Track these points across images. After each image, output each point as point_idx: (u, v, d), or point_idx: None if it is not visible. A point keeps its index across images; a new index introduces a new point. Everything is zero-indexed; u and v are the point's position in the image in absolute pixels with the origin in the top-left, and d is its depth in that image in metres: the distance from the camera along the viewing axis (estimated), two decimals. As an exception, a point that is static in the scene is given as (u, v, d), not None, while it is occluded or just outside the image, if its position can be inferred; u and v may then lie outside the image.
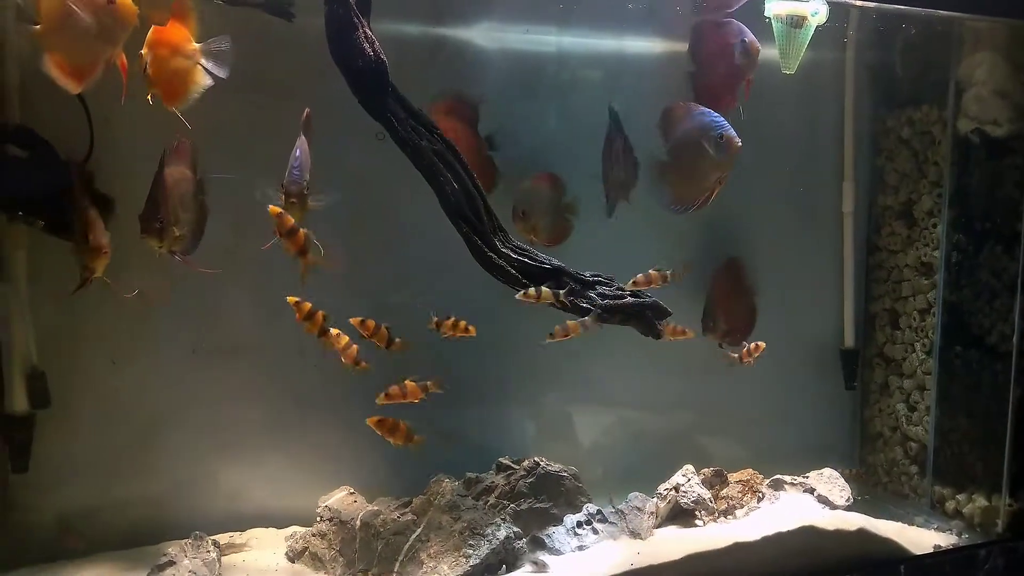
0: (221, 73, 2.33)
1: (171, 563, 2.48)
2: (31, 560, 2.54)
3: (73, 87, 2.11)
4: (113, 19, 2.06)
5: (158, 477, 2.71)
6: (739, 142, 2.71)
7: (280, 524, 2.81)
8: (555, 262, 2.65)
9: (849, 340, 3.50)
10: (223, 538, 2.69)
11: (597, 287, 2.75)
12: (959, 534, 3.13)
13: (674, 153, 2.84)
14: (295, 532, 2.75)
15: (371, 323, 2.45)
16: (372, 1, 2.42)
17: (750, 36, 2.82)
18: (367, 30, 2.37)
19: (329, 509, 2.73)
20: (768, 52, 2.80)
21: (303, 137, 2.37)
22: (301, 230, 2.25)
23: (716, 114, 2.76)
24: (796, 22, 2.72)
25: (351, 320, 2.41)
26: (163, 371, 2.68)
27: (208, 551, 2.56)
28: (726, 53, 2.84)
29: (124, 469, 2.67)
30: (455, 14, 2.82)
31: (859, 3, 2.89)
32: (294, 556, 2.69)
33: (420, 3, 2.76)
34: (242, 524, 2.78)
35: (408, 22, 2.79)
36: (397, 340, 2.50)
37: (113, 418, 2.64)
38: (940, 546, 3.04)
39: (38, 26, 2.07)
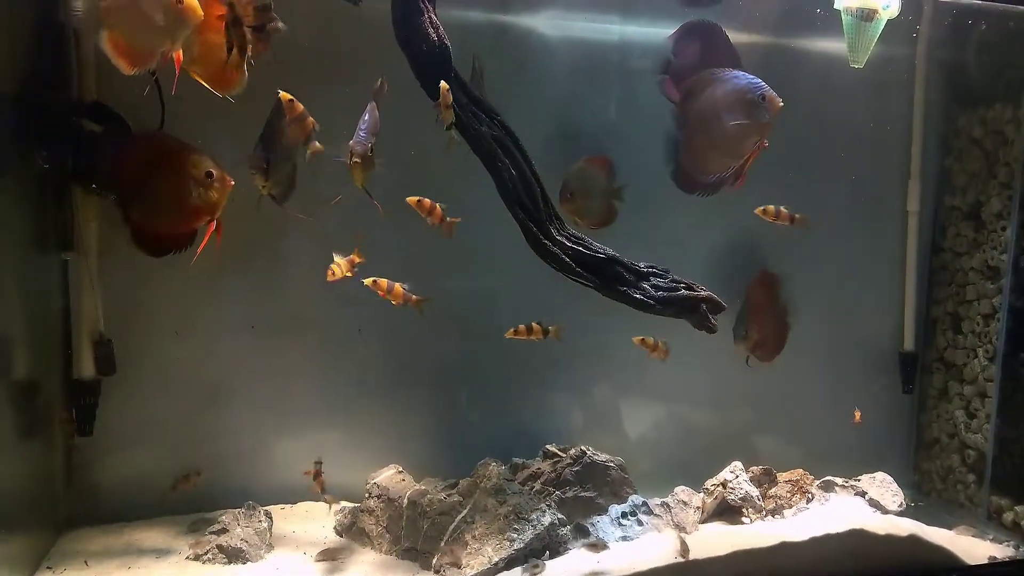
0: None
1: (224, 530, 2.57)
2: (96, 519, 2.66)
3: (125, 68, 2.16)
4: (177, 17, 2.10)
5: (215, 447, 2.79)
6: (780, 102, 2.62)
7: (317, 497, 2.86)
8: (609, 251, 2.64)
9: (909, 343, 3.42)
10: (275, 509, 2.77)
11: (651, 278, 2.73)
12: (1016, 547, 3.04)
13: (702, 122, 2.74)
14: (344, 507, 2.81)
15: (383, 282, 2.50)
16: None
17: (768, 89, 2.66)
18: (432, 15, 2.40)
19: (378, 486, 2.77)
20: (837, 45, 2.73)
21: (374, 103, 2.39)
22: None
23: (746, 74, 2.68)
24: (867, 15, 2.66)
25: (365, 281, 2.47)
26: (223, 344, 2.77)
27: (260, 520, 2.64)
28: (734, 110, 2.68)
29: (183, 437, 2.76)
30: (520, 2, 2.82)
31: (933, -4, 2.81)
32: (342, 530, 2.76)
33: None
34: (293, 497, 2.85)
35: (473, 8, 2.80)
36: (414, 297, 2.55)
37: (174, 387, 2.74)
38: (995, 558, 2.95)
39: (104, 3, 2.12)
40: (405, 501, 2.71)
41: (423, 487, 2.79)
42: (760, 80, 2.66)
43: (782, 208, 2.61)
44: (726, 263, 3.07)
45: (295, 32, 2.41)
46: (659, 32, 2.81)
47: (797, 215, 2.64)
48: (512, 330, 2.63)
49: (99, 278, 2.59)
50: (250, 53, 2.24)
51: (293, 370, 2.79)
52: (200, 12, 2.12)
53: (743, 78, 2.69)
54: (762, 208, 2.55)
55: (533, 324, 2.63)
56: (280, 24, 2.36)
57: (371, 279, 2.49)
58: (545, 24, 2.86)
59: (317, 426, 2.87)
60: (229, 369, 2.77)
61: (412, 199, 2.43)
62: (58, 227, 2.54)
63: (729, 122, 2.68)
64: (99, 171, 2.45)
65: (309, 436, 2.87)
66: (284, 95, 2.30)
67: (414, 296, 2.54)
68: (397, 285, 2.51)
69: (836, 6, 2.67)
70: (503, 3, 2.84)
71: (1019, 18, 2.99)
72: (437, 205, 2.46)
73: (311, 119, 2.35)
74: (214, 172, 2.36)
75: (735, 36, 2.78)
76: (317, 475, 2.65)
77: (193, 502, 2.73)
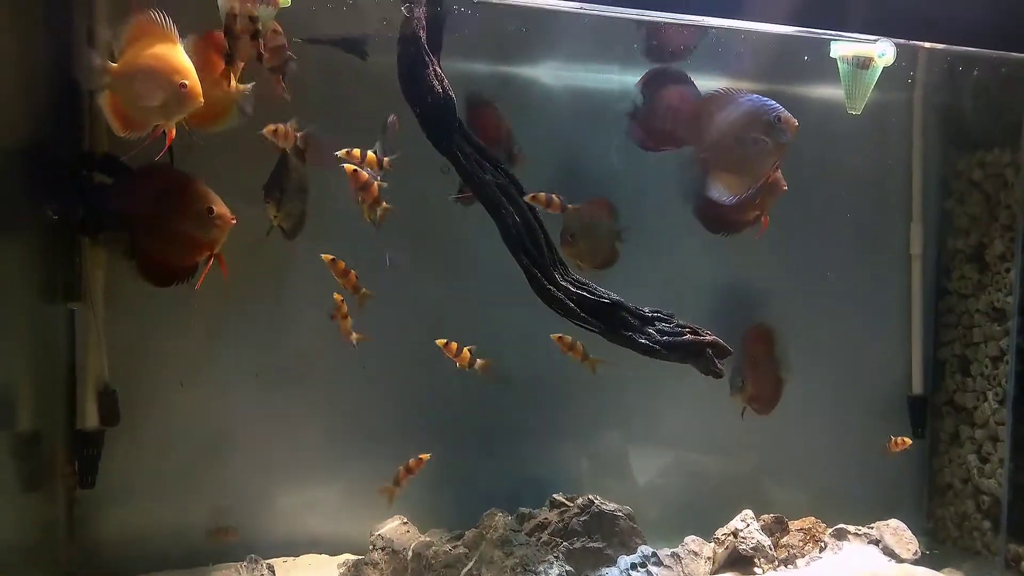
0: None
1: (227, 584, 2.52)
2: (98, 573, 2.62)
3: (117, 130, 2.21)
4: (179, 98, 2.14)
5: (219, 498, 2.76)
6: (796, 122, 2.62)
7: (333, 551, 2.83)
8: (614, 296, 2.64)
9: (917, 387, 3.40)
10: (277, 562, 2.72)
11: (656, 323, 2.73)
12: (1036, 596, 2.98)
13: (720, 144, 2.72)
14: (347, 559, 2.76)
15: (341, 263, 2.47)
16: (442, 40, 2.50)
17: (783, 109, 2.65)
18: (437, 68, 2.45)
19: (382, 538, 2.73)
20: (835, 92, 2.78)
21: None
22: (375, 183, 2.37)
23: (758, 96, 2.70)
24: (862, 63, 2.70)
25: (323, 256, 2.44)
26: (227, 394, 2.76)
27: (263, 574, 2.59)
28: (751, 131, 2.67)
29: (187, 489, 2.73)
30: (522, 54, 2.88)
31: (927, 45, 2.86)
32: (346, 583, 2.71)
33: (488, 43, 2.82)
34: (296, 549, 2.81)
35: (477, 60, 2.86)
36: (364, 290, 2.51)
37: (178, 438, 2.72)
38: (1015, 607, 2.89)
39: (116, 64, 2.18)
40: (410, 553, 2.67)
41: (428, 538, 2.75)
42: (773, 101, 2.67)
43: (553, 196, 2.53)
44: (731, 307, 3.06)
45: (304, 80, 2.45)
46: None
47: (570, 205, 2.54)
48: (444, 341, 2.55)
49: (105, 328, 2.58)
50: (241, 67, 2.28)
51: (297, 420, 2.78)
52: (201, 99, 2.15)
53: (757, 100, 2.70)
54: (532, 195, 2.48)
55: (465, 349, 2.56)
56: (293, 63, 2.42)
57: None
58: (547, 74, 2.92)
59: (321, 477, 2.84)
60: (233, 419, 2.76)
61: (349, 168, 2.35)
62: (65, 277, 2.55)
63: (746, 143, 2.68)
64: (107, 221, 2.48)
65: (313, 487, 2.84)
66: (348, 167, 2.34)
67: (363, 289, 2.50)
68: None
69: (832, 55, 2.72)
70: (505, 55, 2.90)
71: (1011, 64, 3.03)
72: (375, 183, 2.39)
73: (375, 184, 2.38)
74: (215, 208, 2.37)
75: (737, 84, 2.81)
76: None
77: (196, 556, 2.69)
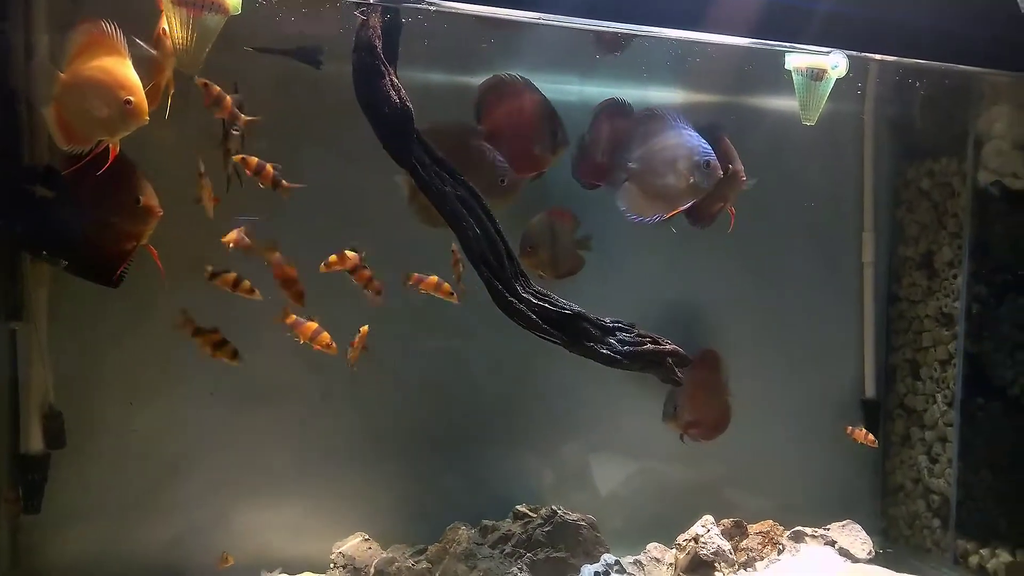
0: None
1: (183, 609, 2.45)
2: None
3: (60, 142, 2.13)
4: (123, 116, 2.06)
5: (173, 520, 2.68)
6: (721, 173, 2.69)
7: (294, 570, 2.76)
8: (575, 307, 2.64)
9: (870, 391, 3.47)
10: (236, 584, 2.66)
11: (618, 333, 2.74)
12: (984, 591, 3.07)
13: (647, 164, 2.78)
14: (309, 579, 2.71)
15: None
16: (399, 49, 2.46)
17: (714, 156, 2.72)
18: (394, 78, 2.41)
19: (343, 555, 2.69)
20: (789, 103, 2.82)
21: None
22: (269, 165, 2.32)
23: (699, 136, 2.74)
24: (816, 75, 2.74)
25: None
26: (181, 414, 2.67)
27: (221, 598, 2.53)
28: (677, 167, 2.74)
29: (139, 512, 2.65)
30: (481, 63, 2.86)
31: (878, 57, 2.91)
32: (307, 604, 2.66)
33: (446, 52, 2.79)
34: (255, 570, 2.74)
35: (434, 70, 2.83)
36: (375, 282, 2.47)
37: (130, 461, 2.63)
38: (965, 603, 2.98)
39: (63, 75, 2.09)
40: (372, 570, 2.64)
41: (390, 555, 2.72)
42: (707, 144, 2.71)
43: (268, 165, 2.50)
44: (687, 317, 3.08)
45: (257, 92, 2.39)
46: (618, 93, 2.86)
47: (284, 182, 2.39)
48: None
49: (49, 347, 2.49)
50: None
51: (254, 438, 2.71)
52: (146, 117, 2.08)
53: (695, 138, 2.74)
54: (242, 157, 2.33)
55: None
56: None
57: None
58: (506, 84, 2.89)
59: (279, 495, 2.77)
60: (188, 439, 2.68)
61: (200, 80, 2.26)
62: (5, 295, 2.45)
63: (671, 174, 2.73)
64: (50, 236, 2.38)
65: (271, 506, 2.77)
66: (199, 80, 2.24)
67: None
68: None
69: (787, 67, 2.75)
70: (464, 65, 2.87)
71: (956, 76, 3.12)
72: (269, 165, 2.33)
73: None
74: (141, 199, 2.28)
75: (694, 96, 2.84)
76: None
77: (150, 580, 2.61)
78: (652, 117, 2.80)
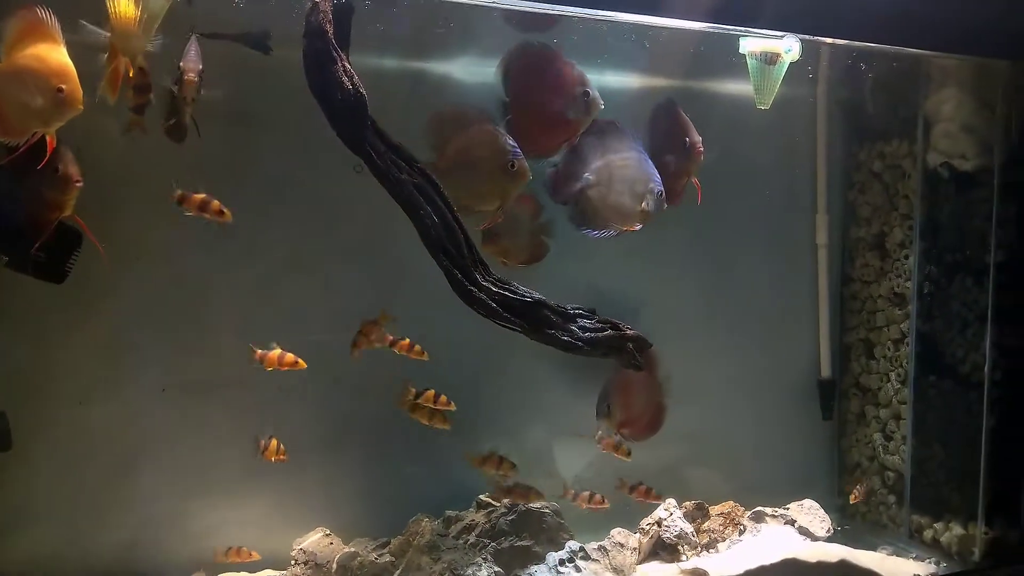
0: None
1: (140, 611, 2.40)
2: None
3: None
4: (56, 104, 1.99)
5: (127, 520, 2.61)
6: (666, 206, 2.73)
7: (253, 568, 2.72)
8: (536, 295, 2.62)
9: (826, 370, 3.52)
10: (195, 583, 2.61)
11: (579, 319, 2.73)
12: (937, 563, 3.14)
13: (599, 173, 2.79)
14: (269, 576, 2.67)
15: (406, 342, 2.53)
16: (351, 35, 2.41)
17: (660, 186, 2.73)
18: (346, 64, 2.35)
19: (304, 551, 2.65)
20: (744, 87, 2.83)
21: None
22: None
23: (648, 161, 2.77)
24: (770, 59, 2.76)
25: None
26: (133, 411, 2.60)
27: (178, 598, 2.47)
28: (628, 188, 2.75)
29: (92, 512, 2.57)
30: (436, 49, 2.82)
31: (829, 40, 2.94)
32: (268, 601, 2.62)
33: (400, 38, 2.74)
34: (214, 568, 2.68)
35: (388, 56, 2.78)
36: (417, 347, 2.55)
37: (80, 461, 2.55)
38: (919, 575, 3.05)
39: None
40: (334, 566, 2.60)
41: (353, 549, 2.69)
42: (656, 173, 2.73)
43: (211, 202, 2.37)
44: (644, 300, 3.08)
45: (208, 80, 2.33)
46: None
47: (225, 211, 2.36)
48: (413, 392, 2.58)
49: (-9, 347, 2.41)
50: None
51: (209, 435, 2.65)
52: (80, 106, 2.00)
53: (644, 162, 2.76)
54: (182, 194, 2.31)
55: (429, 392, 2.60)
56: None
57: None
58: (460, 71, 2.86)
59: (237, 492, 2.71)
60: (140, 437, 2.61)
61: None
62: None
63: (616, 191, 2.76)
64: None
65: (228, 502, 2.71)
66: None
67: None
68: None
69: (741, 51, 2.76)
70: (418, 51, 2.82)
71: (905, 59, 3.17)
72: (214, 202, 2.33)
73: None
74: (60, 168, 2.18)
75: (650, 81, 2.83)
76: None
77: (105, 582, 2.55)
78: (611, 131, 2.79)
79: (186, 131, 2.36)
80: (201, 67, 2.25)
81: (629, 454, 2.84)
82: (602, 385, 2.86)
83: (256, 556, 2.61)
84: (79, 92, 1.99)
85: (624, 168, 2.76)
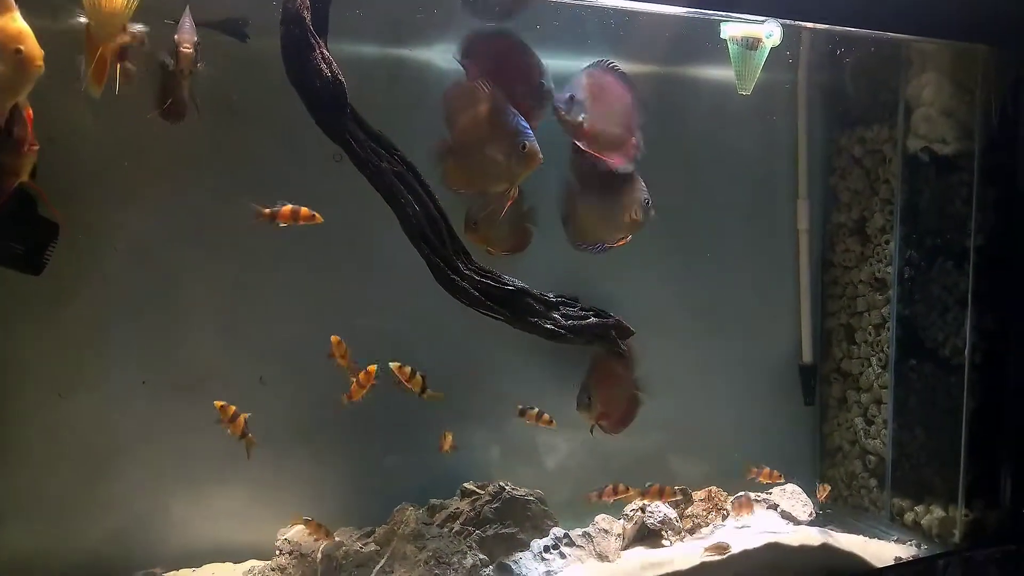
0: None
1: (123, 604, 2.38)
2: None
3: None
4: (17, 68, 1.92)
5: (109, 513, 2.60)
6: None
7: (238, 558, 2.71)
8: (519, 283, 2.63)
9: (807, 356, 3.54)
10: (179, 574, 2.60)
11: (561, 307, 2.74)
12: (918, 545, 3.18)
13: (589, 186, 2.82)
14: (253, 567, 2.65)
15: (407, 370, 2.51)
16: (329, 22, 2.39)
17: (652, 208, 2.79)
18: (324, 51, 2.33)
19: (289, 542, 2.65)
20: (725, 72, 2.82)
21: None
22: None
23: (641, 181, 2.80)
24: (751, 44, 2.75)
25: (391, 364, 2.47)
26: (113, 403, 2.58)
27: (162, 590, 2.46)
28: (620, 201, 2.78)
29: (74, 506, 2.56)
30: (415, 35, 2.79)
31: (809, 25, 2.94)
32: (253, 592, 2.61)
33: (379, 24, 2.72)
34: (198, 559, 2.68)
35: (366, 43, 2.75)
36: (429, 390, 2.55)
37: (59, 454, 2.53)
38: (901, 558, 3.08)
39: None
40: (319, 555, 2.60)
41: (338, 539, 2.68)
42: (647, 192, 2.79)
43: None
44: (624, 288, 3.07)
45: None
46: (551, 64, 2.82)
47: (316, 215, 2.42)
48: (397, 365, 2.54)
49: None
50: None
51: (191, 426, 2.62)
52: (41, 64, 1.94)
53: (639, 183, 2.80)
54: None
55: (418, 375, 2.56)
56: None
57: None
58: (441, 57, 2.83)
59: (220, 483, 2.70)
60: (121, 429, 2.59)
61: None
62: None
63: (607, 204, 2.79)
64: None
65: (212, 494, 2.70)
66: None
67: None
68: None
69: (722, 36, 2.75)
70: (397, 38, 2.79)
71: (885, 43, 3.17)
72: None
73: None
74: (14, 130, 2.12)
75: (631, 67, 2.81)
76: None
77: (87, 575, 2.52)
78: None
79: (185, 108, 2.33)
80: (197, 39, 2.20)
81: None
82: (583, 377, 2.85)
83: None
84: (38, 50, 1.93)
85: (607, 184, 2.77)
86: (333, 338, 2.48)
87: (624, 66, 2.75)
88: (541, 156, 2.48)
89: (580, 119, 2.64)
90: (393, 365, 2.48)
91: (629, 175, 2.79)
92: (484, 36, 2.66)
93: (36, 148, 2.17)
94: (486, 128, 2.52)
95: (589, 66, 2.72)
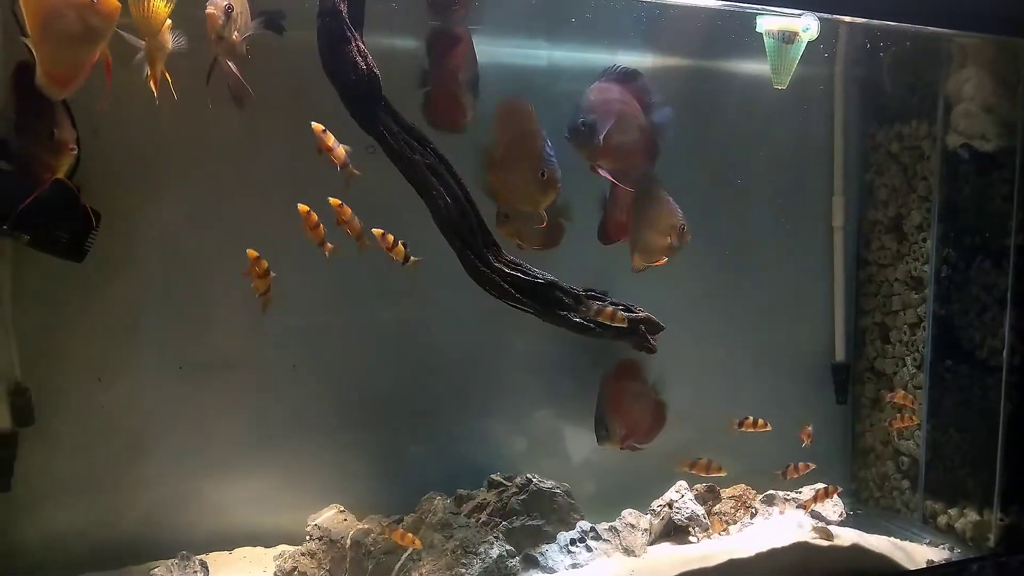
0: None
1: (157, 584, 2.44)
2: (14, 581, 2.50)
3: (57, 93, 2.05)
4: (96, 17, 1.97)
5: (145, 495, 2.66)
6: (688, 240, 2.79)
7: (269, 543, 2.76)
8: (548, 276, 2.63)
9: (840, 354, 3.50)
10: (211, 557, 2.65)
11: (591, 301, 2.74)
12: (951, 549, 3.13)
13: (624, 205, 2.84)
14: (284, 551, 2.70)
15: (390, 237, 2.43)
16: (364, 15, 2.41)
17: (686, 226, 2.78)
18: (360, 43, 2.36)
19: (319, 527, 2.68)
20: (760, 67, 2.80)
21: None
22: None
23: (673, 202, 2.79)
24: (788, 38, 2.73)
25: (374, 230, 2.39)
26: (150, 387, 2.64)
27: (195, 571, 2.51)
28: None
29: (111, 488, 2.62)
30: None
31: (848, 19, 2.90)
32: (283, 575, 2.65)
33: (413, 18, 2.74)
34: (230, 543, 2.73)
35: (400, 36, 2.78)
36: (412, 258, 2.47)
37: (99, 436, 2.60)
38: (933, 561, 3.03)
39: (27, 38, 2.00)
40: (348, 541, 2.63)
41: (366, 526, 2.71)
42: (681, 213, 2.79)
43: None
44: (657, 283, 3.06)
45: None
46: (586, 57, 2.83)
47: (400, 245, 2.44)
48: (380, 232, 2.42)
49: (14, 323, 2.43)
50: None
51: (225, 412, 2.68)
52: (116, 13, 1.98)
53: (672, 203, 2.81)
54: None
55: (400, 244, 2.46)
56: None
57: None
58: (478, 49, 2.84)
59: (252, 468, 2.75)
60: (157, 413, 2.65)
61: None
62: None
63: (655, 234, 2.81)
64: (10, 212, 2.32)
65: (244, 479, 2.75)
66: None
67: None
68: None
69: (758, 29, 2.73)
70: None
71: (925, 38, 3.12)
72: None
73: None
74: (56, 132, 2.22)
75: (665, 60, 2.80)
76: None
77: (124, 555, 2.58)
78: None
79: (242, 92, 2.31)
80: (230, 4, 2.17)
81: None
82: (595, 407, 2.84)
83: None
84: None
85: (658, 204, 2.79)
86: (250, 252, 2.29)
87: (656, 60, 2.73)
88: (560, 184, 2.53)
89: (595, 143, 2.61)
90: (376, 232, 2.41)
91: (661, 198, 2.78)
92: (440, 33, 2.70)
93: (75, 152, 2.26)
94: (519, 150, 2.56)
95: (598, 78, 2.69)
